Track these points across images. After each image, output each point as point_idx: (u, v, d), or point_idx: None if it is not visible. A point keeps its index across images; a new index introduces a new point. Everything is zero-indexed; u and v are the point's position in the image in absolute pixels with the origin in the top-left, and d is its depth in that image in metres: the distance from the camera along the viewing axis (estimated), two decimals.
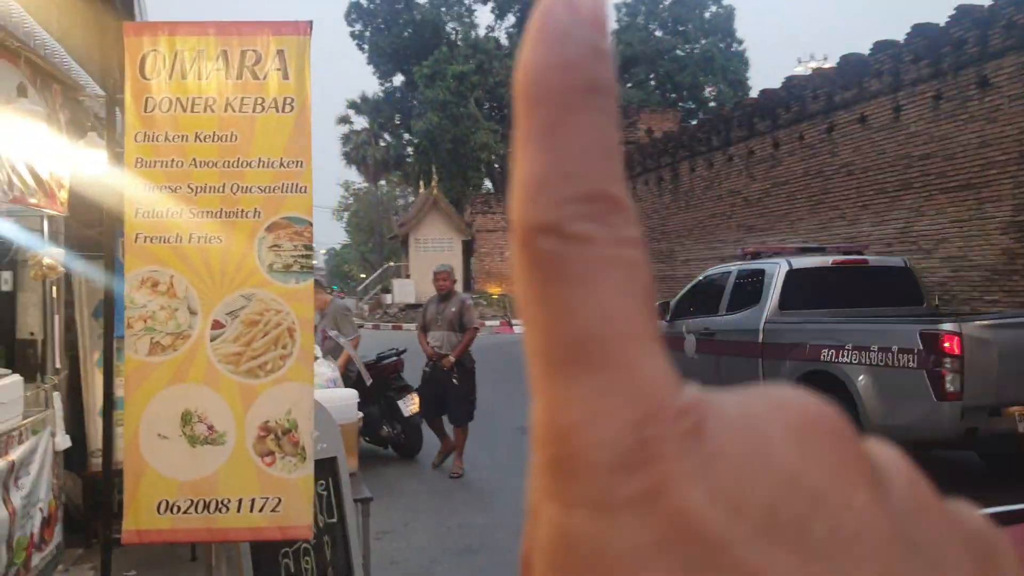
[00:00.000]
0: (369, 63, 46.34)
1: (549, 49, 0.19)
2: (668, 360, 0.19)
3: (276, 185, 2.83)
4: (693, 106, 42.90)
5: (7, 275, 5.36)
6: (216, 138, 2.82)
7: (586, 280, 0.18)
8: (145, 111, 2.83)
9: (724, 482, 0.18)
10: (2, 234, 4.69)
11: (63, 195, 4.83)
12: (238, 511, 2.82)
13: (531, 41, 0.20)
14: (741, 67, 46.25)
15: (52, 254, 4.66)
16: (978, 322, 6.58)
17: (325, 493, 3.62)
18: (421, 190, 39.28)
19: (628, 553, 0.17)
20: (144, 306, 2.81)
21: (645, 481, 0.17)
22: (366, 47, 46.08)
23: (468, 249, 36.86)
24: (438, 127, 39.03)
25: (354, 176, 57.35)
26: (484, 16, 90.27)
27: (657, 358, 0.19)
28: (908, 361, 6.36)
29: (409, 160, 45.39)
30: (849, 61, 13.84)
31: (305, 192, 2.84)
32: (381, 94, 47.12)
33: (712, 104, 41.97)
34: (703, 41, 46.08)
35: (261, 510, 2.84)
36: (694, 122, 25.53)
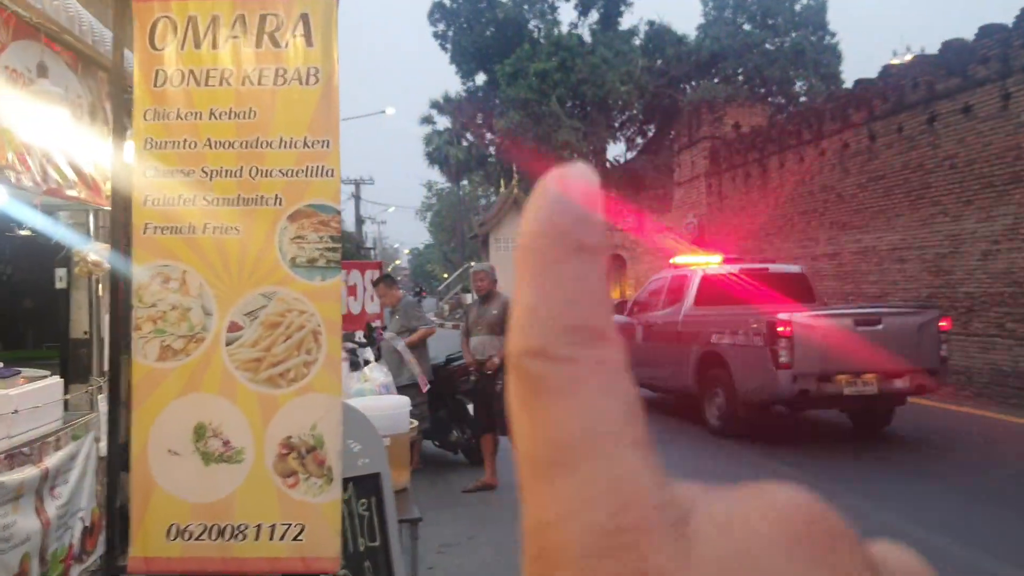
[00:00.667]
0: (452, 63, 46.35)
1: (542, 216, 0.23)
2: (652, 459, 0.20)
3: (300, 168, 2.48)
4: (783, 101, 41.54)
5: (62, 272, 5.20)
6: (233, 115, 2.49)
7: (568, 393, 0.20)
8: (155, 86, 2.52)
9: None
10: (39, 229, 4.48)
11: (109, 187, 4.62)
12: (256, 538, 2.48)
13: (530, 210, 0.23)
14: (833, 60, 44.56)
15: (97, 249, 4.46)
16: (805, 313, 8.76)
17: (367, 514, 3.27)
18: (502, 189, 39.05)
19: None
20: (154, 305, 2.49)
21: (620, 568, 0.18)
22: (449, 47, 46.10)
23: None
24: (520, 125, 38.72)
25: (437, 176, 57.47)
26: (567, 13, 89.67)
27: (637, 455, 0.20)
28: (758, 341, 8.64)
29: (491, 160, 45.24)
30: (952, 47, 12.92)
31: (332, 176, 2.49)
32: (463, 93, 47.09)
33: (803, 99, 40.61)
34: (793, 34, 44.60)
35: (282, 538, 2.50)
36: (783, 115, 24.57)
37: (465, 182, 54.08)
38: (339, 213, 2.50)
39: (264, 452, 2.49)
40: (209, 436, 2.49)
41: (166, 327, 2.49)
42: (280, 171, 2.48)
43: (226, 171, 2.49)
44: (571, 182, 0.23)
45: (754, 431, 9.06)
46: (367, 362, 4.59)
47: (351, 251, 42.61)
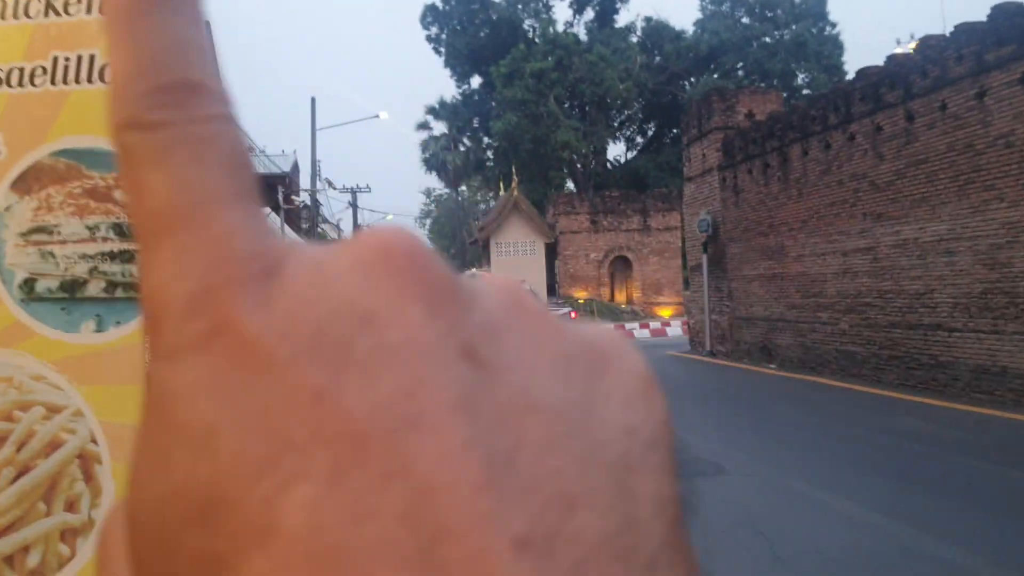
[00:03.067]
0: (446, 66, 45.17)
1: None
2: (255, 217, 0.20)
3: (33, 66, 1.04)
4: (785, 94, 40.29)
5: None
6: None
7: (161, 160, 0.20)
8: None
9: (279, 313, 0.19)
10: None
11: None
12: None
13: None
14: (835, 51, 43.61)
15: None
16: None
17: None
18: (501, 192, 37.70)
19: (187, 390, 0.18)
20: None
21: (207, 322, 0.18)
22: (442, 50, 44.88)
23: (551, 252, 35.12)
24: (517, 127, 37.45)
25: (435, 183, 56.14)
26: (562, 11, 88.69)
27: (236, 214, 0.20)
28: None
29: (489, 164, 43.95)
30: (1004, 10, 11.49)
31: (106, 82, 1.07)
32: (459, 97, 45.83)
33: (806, 92, 39.37)
34: (794, 26, 43.53)
35: None
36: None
37: (464, 187, 52.76)
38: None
39: None
40: None
41: None
42: None
43: None
44: None
45: None
46: None
47: None
